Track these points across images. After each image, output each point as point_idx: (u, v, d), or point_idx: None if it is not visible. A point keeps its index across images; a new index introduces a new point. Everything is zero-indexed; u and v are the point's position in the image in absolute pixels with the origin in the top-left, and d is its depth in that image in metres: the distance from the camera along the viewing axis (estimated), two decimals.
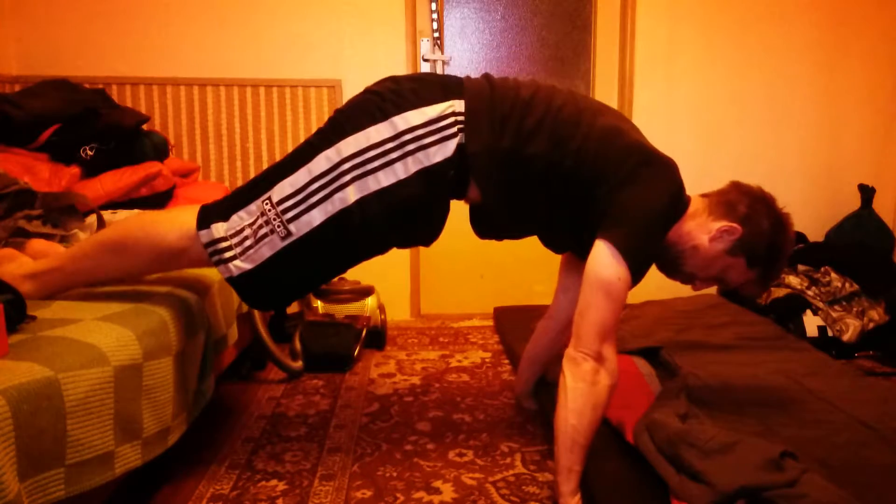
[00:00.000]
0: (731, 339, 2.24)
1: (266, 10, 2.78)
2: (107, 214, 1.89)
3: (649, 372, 1.88)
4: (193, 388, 1.50)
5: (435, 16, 2.86)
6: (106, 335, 1.20)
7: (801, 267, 2.73)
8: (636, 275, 1.35)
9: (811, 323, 2.51)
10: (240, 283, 1.44)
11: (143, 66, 2.78)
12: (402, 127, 1.38)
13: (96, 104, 2.23)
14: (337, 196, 1.37)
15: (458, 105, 1.40)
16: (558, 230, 1.57)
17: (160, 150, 2.28)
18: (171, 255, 1.46)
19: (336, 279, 2.82)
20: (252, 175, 2.85)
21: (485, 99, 1.42)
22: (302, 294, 1.57)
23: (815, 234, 3.04)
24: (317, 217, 1.38)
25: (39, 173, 1.99)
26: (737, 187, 1.50)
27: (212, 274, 1.82)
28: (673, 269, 1.53)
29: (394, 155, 1.37)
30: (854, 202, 3.04)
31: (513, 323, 2.64)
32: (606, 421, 1.55)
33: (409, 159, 1.37)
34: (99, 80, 2.70)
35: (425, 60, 2.92)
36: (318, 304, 2.67)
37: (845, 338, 2.48)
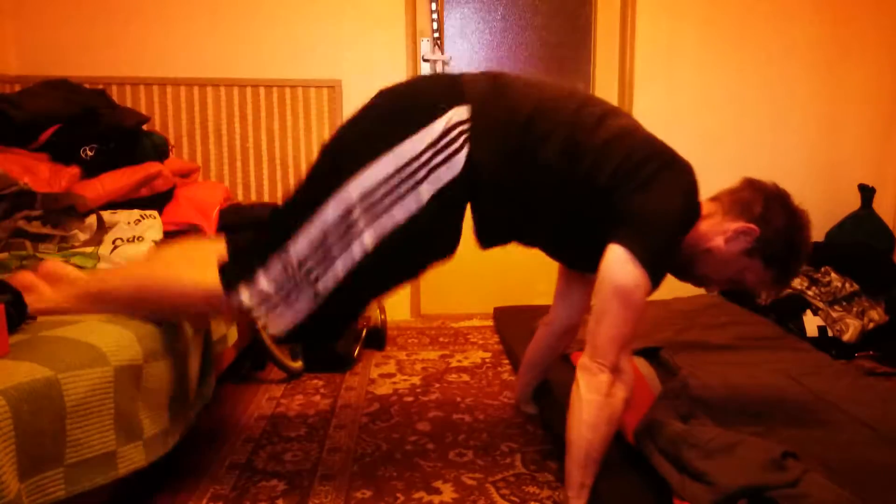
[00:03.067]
0: (731, 339, 2.24)
1: (266, 10, 2.78)
2: (107, 215, 1.89)
3: (649, 372, 1.88)
4: (194, 389, 1.50)
5: (435, 16, 2.86)
6: (106, 335, 1.20)
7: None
8: (655, 281, 1.29)
9: (811, 323, 2.51)
10: (285, 340, 1.43)
11: (143, 66, 2.77)
12: (408, 156, 1.30)
13: (96, 104, 2.23)
14: (355, 246, 1.32)
15: (460, 113, 1.33)
16: (567, 238, 1.49)
17: (160, 150, 2.28)
18: (206, 312, 1.50)
19: None
20: (252, 175, 2.85)
21: (489, 103, 1.35)
22: (343, 330, 1.55)
23: (815, 234, 2.99)
24: (340, 269, 1.33)
25: (39, 173, 1.99)
26: (751, 185, 1.44)
27: None
28: (686, 273, 1.47)
29: (403, 188, 1.30)
30: (854, 202, 3.04)
31: (513, 323, 2.64)
32: None
33: (421, 187, 1.31)
34: (99, 80, 2.70)
35: (425, 60, 2.92)
36: None
37: (845, 338, 2.48)
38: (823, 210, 3.08)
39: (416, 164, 1.30)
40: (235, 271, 1.37)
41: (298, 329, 1.38)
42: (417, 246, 1.38)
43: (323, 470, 1.62)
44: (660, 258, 1.31)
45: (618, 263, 1.27)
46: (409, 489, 1.53)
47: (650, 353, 2.03)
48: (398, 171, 1.30)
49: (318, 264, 1.33)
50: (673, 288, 1.76)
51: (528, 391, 1.92)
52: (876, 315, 2.56)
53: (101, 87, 2.61)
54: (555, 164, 1.34)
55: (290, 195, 1.42)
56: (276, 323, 1.37)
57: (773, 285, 1.48)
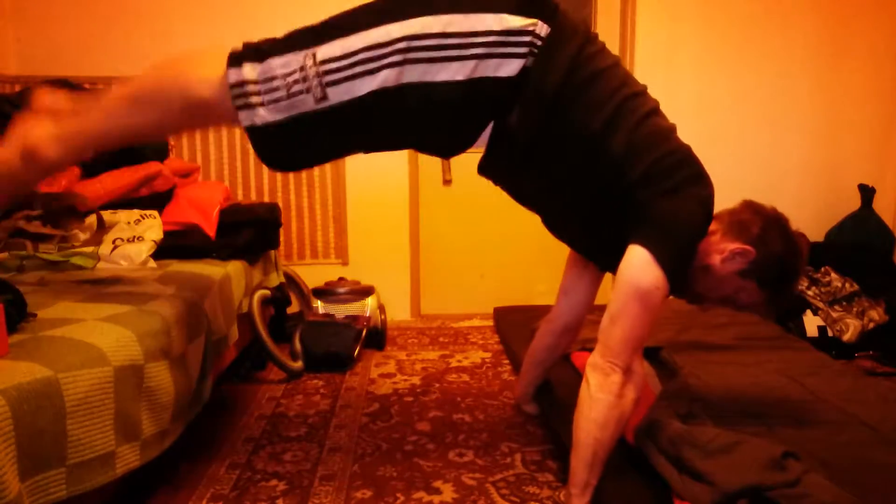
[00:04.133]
0: (731, 339, 2.24)
1: (266, 9, 2.78)
2: (107, 214, 1.89)
3: (650, 372, 1.88)
4: (193, 388, 1.50)
5: None
6: (106, 335, 1.20)
7: None
8: (673, 285, 1.29)
9: (811, 323, 2.51)
10: (258, 133, 1.30)
11: (143, 66, 2.76)
12: (478, 27, 1.24)
13: None
14: (382, 73, 1.23)
15: (542, 28, 1.26)
16: (573, 215, 1.46)
17: (160, 150, 2.28)
18: (200, 108, 1.33)
19: (336, 279, 2.83)
20: (252, 175, 2.85)
21: (569, 42, 1.30)
22: (311, 164, 1.47)
23: (815, 234, 3.04)
24: (356, 89, 1.24)
25: None
26: (750, 207, 1.45)
27: (212, 274, 1.82)
28: (682, 289, 1.46)
29: (456, 52, 1.24)
30: (854, 202, 3.04)
31: (513, 323, 2.64)
32: None
33: (471, 63, 1.24)
34: (99, 80, 2.70)
35: None
36: (318, 304, 2.67)
37: (845, 338, 2.48)
38: (823, 210, 3.08)
39: (478, 39, 1.24)
40: (251, 51, 1.30)
41: (281, 129, 1.28)
42: (429, 115, 1.31)
43: (323, 470, 1.62)
44: (679, 263, 1.31)
45: (640, 264, 1.27)
46: (409, 489, 1.53)
47: (650, 353, 2.03)
48: (460, 34, 1.24)
49: (340, 70, 1.25)
50: None
51: (530, 391, 1.92)
52: (876, 315, 2.56)
53: (101, 87, 2.61)
54: (596, 134, 1.31)
55: (335, 16, 1.33)
56: (265, 111, 1.27)
57: (765, 307, 1.48)
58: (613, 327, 1.29)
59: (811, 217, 3.06)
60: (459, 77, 1.24)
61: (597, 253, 1.57)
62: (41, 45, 2.72)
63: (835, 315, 2.54)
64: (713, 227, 1.43)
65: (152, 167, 2.14)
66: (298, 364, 2.29)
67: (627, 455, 1.45)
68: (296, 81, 1.26)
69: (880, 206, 3.05)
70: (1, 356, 1.04)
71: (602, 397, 1.29)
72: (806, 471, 1.22)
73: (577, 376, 1.85)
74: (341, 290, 2.71)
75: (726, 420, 1.51)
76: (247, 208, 2.25)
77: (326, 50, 1.25)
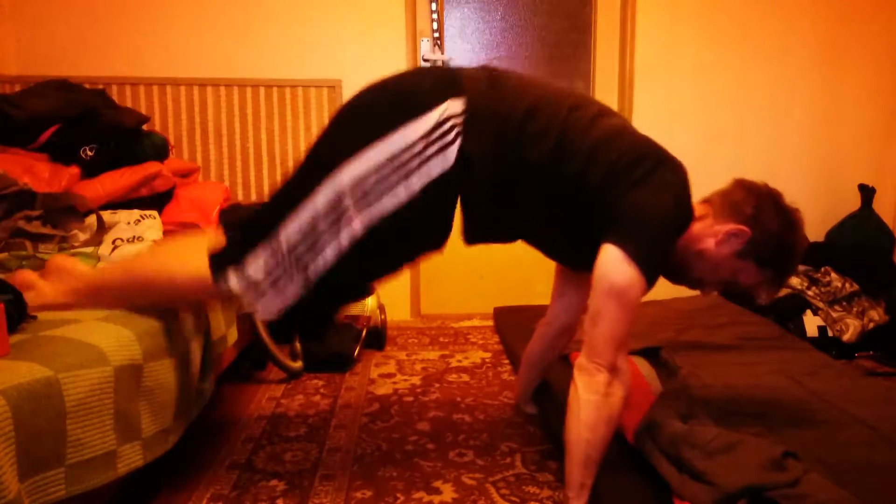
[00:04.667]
0: (731, 339, 2.23)
1: (266, 10, 2.78)
2: (106, 215, 1.89)
3: (649, 372, 1.88)
4: (193, 388, 1.50)
5: (435, 16, 2.86)
6: (106, 335, 1.20)
7: (801, 267, 2.73)
8: (650, 280, 1.29)
9: (811, 323, 2.51)
10: (273, 325, 1.46)
11: (143, 66, 2.77)
12: (401, 146, 1.30)
13: (96, 104, 2.23)
14: (344, 233, 1.33)
15: (455, 105, 1.32)
16: (557, 237, 1.49)
17: (160, 150, 2.28)
18: (198, 299, 1.51)
19: None
20: (252, 175, 2.85)
21: (484, 98, 1.35)
22: (336, 312, 1.58)
23: (815, 234, 3.03)
24: (329, 256, 1.34)
25: (39, 174, 1.99)
26: (741, 185, 1.43)
27: None
28: (679, 275, 1.47)
29: (394, 177, 1.31)
30: (854, 202, 3.04)
31: (513, 323, 2.63)
32: None
33: (413, 177, 1.31)
34: (99, 80, 2.70)
35: (425, 60, 2.92)
36: None
37: (845, 338, 2.48)
38: (823, 210, 3.08)
39: (408, 155, 1.30)
40: (224, 258, 1.38)
41: (287, 314, 1.39)
42: (407, 236, 1.39)
43: (323, 470, 1.62)
44: (654, 257, 1.30)
45: (612, 263, 1.27)
46: (409, 489, 1.53)
47: (650, 353, 2.03)
48: (390, 160, 1.30)
49: (308, 250, 1.34)
50: (673, 288, 1.76)
51: (529, 391, 1.92)
52: (876, 315, 2.56)
53: (101, 87, 2.61)
54: (547, 163, 1.34)
55: (280, 185, 1.43)
56: (265, 308, 1.38)
57: (768, 286, 1.46)
58: (594, 328, 1.29)
59: (811, 217, 3.02)
60: (406, 197, 1.32)
61: (578, 262, 1.56)
62: (41, 45, 2.72)
63: (835, 315, 2.54)
64: (704, 210, 1.42)
65: (152, 167, 2.14)
66: (298, 364, 2.29)
67: (627, 455, 1.45)
68: (277, 278, 1.37)
69: (880, 206, 3.05)
70: (1, 356, 1.04)
71: (589, 398, 1.29)
72: (806, 471, 1.22)
73: None
74: None
75: (726, 420, 1.51)
76: (247, 208, 2.25)
77: (286, 237, 1.35)
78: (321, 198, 1.33)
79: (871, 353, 2.51)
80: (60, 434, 1.03)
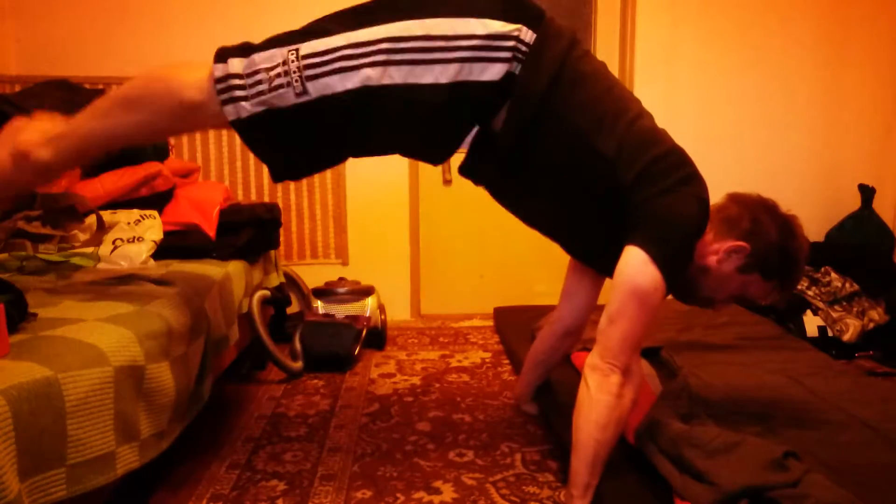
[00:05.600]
0: (731, 339, 2.24)
1: (266, 9, 2.78)
2: (106, 215, 1.89)
3: (650, 372, 1.88)
4: (191, 391, 1.50)
5: None
6: (107, 335, 1.20)
7: None
8: (670, 284, 1.29)
9: (811, 323, 2.51)
10: (244, 128, 1.31)
11: (143, 66, 2.75)
12: (462, 31, 1.23)
13: None
14: (363, 71, 1.23)
15: (527, 34, 1.26)
16: (564, 220, 1.45)
17: (160, 150, 2.28)
18: (189, 109, 1.33)
19: (336, 279, 2.83)
20: (252, 175, 2.85)
21: (557, 46, 1.30)
22: (306, 168, 1.44)
23: (815, 234, 3.04)
24: (336, 85, 1.24)
25: None
26: (734, 200, 1.43)
27: (212, 274, 1.82)
28: (687, 294, 1.47)
29: (439, 55, 1.23)
30: (854, 202, 3.04)
31: (513, 323, 2.64)
32: None
33: (454, 66, 1.23)
34: (99, 80, 2.70)
35: None
36: (318, 304, 2.67)
37: (845, 338, 2.48)
38: (823, 210, 3.08)
39: (464, 42, 1.24)
40: (236, 48, 1.31)
41: (264, 122, 1.28)
42: (410, 119, 1.30)
43: (323, 470, 1.62)
44: (676, 262, 1.30)
45: (637, 265, 1.26)
46: (409, 489, 1.53)
47: (650, 353, 2.03)
48: (446, 37, 1.24)
49: (320, 65, 1.25)
50: None
51: (530, 391, 1.92)
52: (876, 315, 2.56)
53: (101, 87, 2.61)
54: (583, 133, 1.30)
55: (320, 18, 1.34)
56: (248, 104, 1.27)
57: (779, 293, 1.46)
58: (612, 328, 1.28)
59: (811, 217, 3.05)
60: (443, 80, 1.24)
61: (594, 258, 1.56)
62: (41, 45, 2.72)
63: (835, 315, 2.54)
64: (706, 226, 1.41)
65: (152, 167, 2.14)
66: (298, 364, 2.29)
67: (628, 455, 1.45)
68: (278, 75, 1.26)
69: (880, 206, 3.05)
70: (1, 356, 1.04)
71: (602, 398, 1.28)
72: (807, 471, 1.22)
73: (577, 376, 1.85)
74: (341, 290, 2.71)
75: (726, 420, 1.51)
76: (247, 208, 2.25)
77: (309, 46, 1.26)
78: (364, 32, 1.24)
79: (871, 353, 2.51)
80: (61, 434, 1.03)
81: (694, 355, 2.03)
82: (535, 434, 1.82)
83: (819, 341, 2.44)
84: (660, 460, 1.35)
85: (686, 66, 3.00)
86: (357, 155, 1.43)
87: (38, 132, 1.35)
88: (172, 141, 2.74)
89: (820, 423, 1.56)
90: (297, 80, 1.25)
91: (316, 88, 1.25)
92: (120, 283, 1.58)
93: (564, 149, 1.32)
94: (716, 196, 1.46)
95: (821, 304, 2.58)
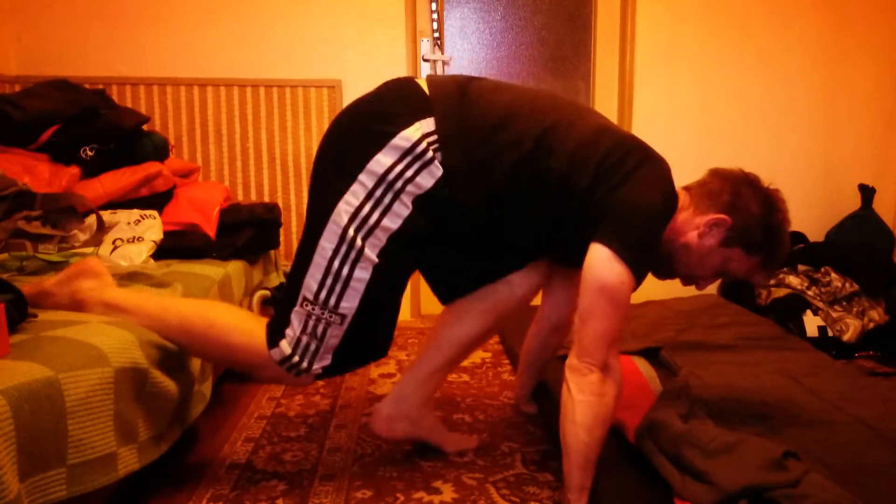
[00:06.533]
0: (731, 339, 2.24)
1: (266, 10, 2.78)
2: (106, 215, 1.89)
3: (650, 372, 1.88)
4: (191, 393, 1.50)
5: (435, 16, 2.86)
6: (107, 336, 1.20)
7: (801, 267, 2.73)
8: (639, 277, 1.29)
9: (811, 323, 2.52)
10: (330, 375, 1.47)
11: (143, 66, 2.77)
12: (381, 171, 1.35)
13: (96, 104, 2.23)
14: (360, 265, 1.37)
15: (427, 124, 1.36)
16: (547, 239, 1.48)
17: (160, 150, 2.28)
18: (246, 365, 1.51)
19: None
20: (252, 175, 2.85)
21: (455, 112, 1.38)
22: (387, 337, 1.56)
23: (815, 234, 3.04)
24: (357, 287, 1.38)
25: (39, 174, 1.99)
26: (716, 174, 1.42)
27: (212, 274, 1.82)
28: (669, 271, 1.46)
29: (387, 199, 1.35)
30: (854, 202, 3.04)
31: (513, 323, 2.63)
32: None
33: (403, 196, 1.35)
34: (99, 80, 2.70)
35: (425, 60, 2.92)
36: None
37: (845, 338, 2.48)
38: (823, 210, 3.08)
39: (391, 176, 1.35)
40: (275, 326, 1.45)
41: (339, 358, 1.44)
42: (418, 249, 1.43)
43: (323, 470, 1.62)
44: (643, 253, 1.31)
45: (601, 262, 1.27)
46: (409, 489, 1.53)
47: (650, 353, 2.03)
48: (378, 184, 1.35)
49: (331, 291, 1.38)
50: (673, 288, 1.76)
51: (526, 392, 1.92)
52: (876, 315, 2.56)
53: (101, 87, 2.61)
54: (528, 167, 1.35)
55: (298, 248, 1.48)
56: (316, 365, 1.44)
57: (762, 271, 1.45)
58: (585, 327, 1.29)
59: (811, 217, 3.06)
60: (405, 213, 1.36)
61: (576, 260, 1.57)
62: (41, 45, 2.72)
63: (835, 315, 2.54)
64: (684, 202, 1.42)
65: (152, 167, 2.14)
66: None
67: (628, 455, 1.45)
68: (315, 328, 1.41)
69: (880, 206, 3.05)
70: (1, 356, 1.04)
71: (583, 399, 1.29)
72: (807, 471, 1.22)
73: None
74: None
75: (726, 420, 1.51)
76: (247, 208, 2.25)
77: (307, 289, 1.40)
78: (326, 242, 1.38)
79: (871, 353, 2.51)
80: (61, 434, 1.03)
81: (694, 355, 2.03)
82: (535, 434, 1.82)
83: (819, 341, 2.44)
84: (659, 460, 1.35)
85: (686, 66, 3.00)
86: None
87: (106, 294, 1.43)
88: (172, 141, 2.75)
89: (820, 423, 1.56)
90: (330, 316, 1.40)
91: (349, 305, 1.39)
92: (120, 284, 1.58)
93: (523, 188, 1.38)
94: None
95: (821, 304, 2.58)
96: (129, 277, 1.64)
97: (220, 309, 1.51)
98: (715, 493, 1.20)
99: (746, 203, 1.37)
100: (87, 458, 1.08)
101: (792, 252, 2.84)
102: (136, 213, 1.94)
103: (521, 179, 1.37)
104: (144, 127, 2.30)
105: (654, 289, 2.11)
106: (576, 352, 1.31)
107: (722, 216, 1.36)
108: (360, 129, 1.40)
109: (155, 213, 1.98)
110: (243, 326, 1.46)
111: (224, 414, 1.96)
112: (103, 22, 2.74)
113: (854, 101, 3.09)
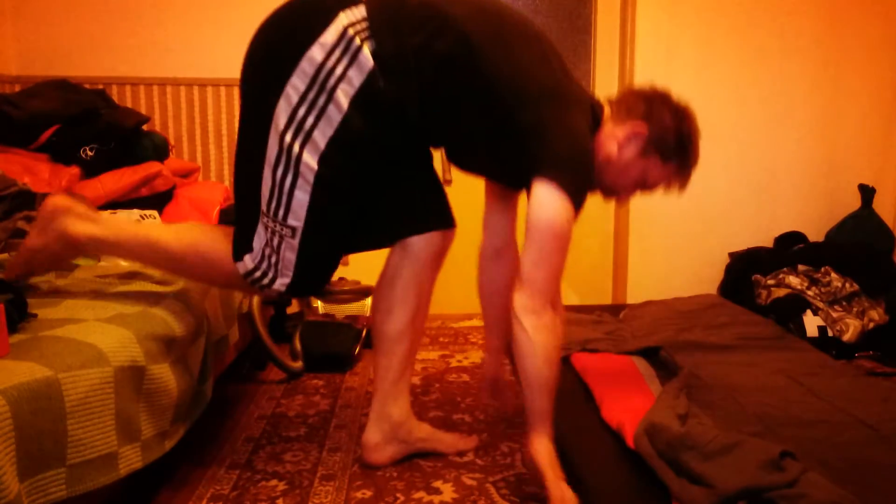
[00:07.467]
0: (731, 339, 2.23)
1: (266, 10, 2.77)
2: (107, 215, 1.89)
3: (649, 373, 1.88)
4: (193, 391, 1.50)
5: None
6: (107, 336, 1.20)
7: (801, 267, 2.73)
8: (579, 208, 1.36)
9: (811, 323, 2.51)
10: (291, 293, 1.48)
11: (143, 66, 2.78)
12: (311, 70, 1.31)
13: (96, 104, 2.23)
14: (301, 171, 1.35)
15: (354, 13, 1.32)
16: (478, 142, 1.49)
17: (160, 150, 2.28)
18: (224, 283, 1.55)
19: (336, 279, 2.83)
20: None
21: (387, 2, 1.36)
22: (345, 252, 1.57)
23: (815, 234, 3.04)
24: (302, 198, 1.37)
25: (39, 173, 1.99)
26: (630, 91, 1.52)
27: None
28: (593, 188, 1.52)
29: (321, 101, 1.32)
30: (854, 202, 3.04)
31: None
32: (606, 425, 1.55)
33: (337, 94, 1.32)
34: (99, 80, 2.70)
35: None
36: (318, 304, 2.67)
37: (845, 338, 2.48)
38: (823, 210, 3.08)
39: (322, 74, 1.32)
40: (241, 241, 1.47)
41: (299, 276, 1.45)
42: (363, 157, 1.40)
43: (323, 470, 1.62)
44: (580, 183, 1.37)
45: (545, 201, 1.33)
46: (409, 489, 1.53)
47: (650, 353, 2.03)
48: (310, 86, 1.32)
49: (279, 203, 1.38)
50: (673, 288, 1.76)
51: (501, 343, 1.85)
52: (876, 315, 2.56)
53: (101, 87, 2.62)
54: (456, 58, 1.35)
55: (236, 174, 1.51)
56: (278, 279, 1.45)
57: (675, 178, 1.53)
58: (538, 270, 1.35)
59: (811, 217, 3.06)
60: (340, 115, 1.32)
61: (506, 175, 1.60)
62: (41, 45, 2.72)
63: (835, 315, 2.54)
64: (605, 116, 1.50)
65: (152, 167, 2.14)
66: (298, 364, 2.29)
67: (625, 458, 1.45)
68: (271, 240, 1.42)
69: (880, 206, 3.05)
70: (1, 356, 1.05)
71: (541, 338, 1.35)
72: (804, 471, 1.22)
73: (576, 378, 1.86)
74: (341, 290, 2.71)
75: (726, 420, 1.51)
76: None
77: (265, 197, 1.40)
78: (270, 150, 1.37)
79: (871, 353, 2.51)
80: (61, 434, 1.03)
81: (693, 355, 2.02)
82: None
83: (819, 341, 2.44)
84: (657, 463, 1.35)
85: (686, 66, 3.00)
86: (366, 214, 1.52)
87: (86, 231, 1.46)
88: (172, 141, 2.75)
89: (819, 423, 1.56)
90: (281, 229, 1.40)
91: (296, 217, 1.38)
92: (120, 283, 1.58)
93: (452, 81, 1.38)
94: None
95: (821, 304, 2.58)
96: (129, 277, 1.64)
97: (196, 230, 1.56)
98: (713, 496, 1.20)
99: (660, 112, 1.47)
100: (88, 457, 1.08)
101: (792, 252, 2.84)
102: (136, 213, 1.94)
103: (452, 75, 1.36)
104: (144, 127, 2.31)
105: (655, 289, 2.11)
106: (528, 293, 1.35)
107: (639, 124, 1.45)
108: (287, 29, 1.38)
109: (155, 212, 1.99)
110: (219, 247, 1.49)
111: (224, 414, 1.97)
112: (103, 22, 2.74)
113: (854, 101, 3.09)
